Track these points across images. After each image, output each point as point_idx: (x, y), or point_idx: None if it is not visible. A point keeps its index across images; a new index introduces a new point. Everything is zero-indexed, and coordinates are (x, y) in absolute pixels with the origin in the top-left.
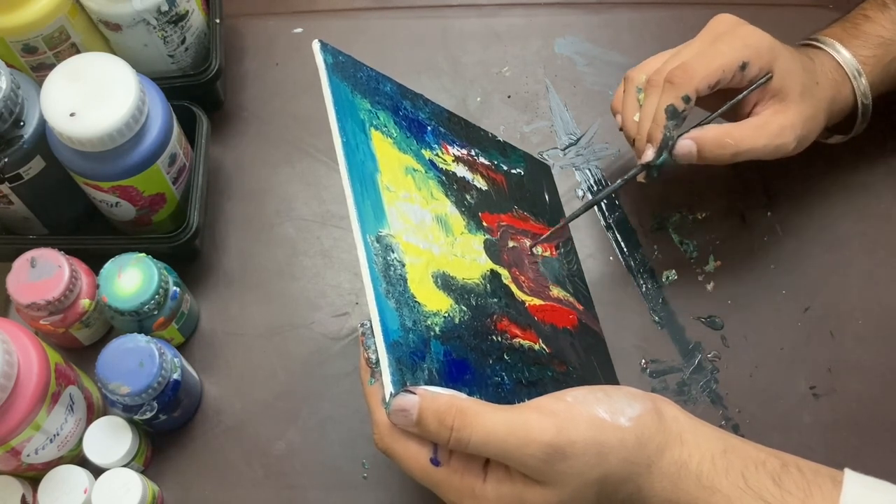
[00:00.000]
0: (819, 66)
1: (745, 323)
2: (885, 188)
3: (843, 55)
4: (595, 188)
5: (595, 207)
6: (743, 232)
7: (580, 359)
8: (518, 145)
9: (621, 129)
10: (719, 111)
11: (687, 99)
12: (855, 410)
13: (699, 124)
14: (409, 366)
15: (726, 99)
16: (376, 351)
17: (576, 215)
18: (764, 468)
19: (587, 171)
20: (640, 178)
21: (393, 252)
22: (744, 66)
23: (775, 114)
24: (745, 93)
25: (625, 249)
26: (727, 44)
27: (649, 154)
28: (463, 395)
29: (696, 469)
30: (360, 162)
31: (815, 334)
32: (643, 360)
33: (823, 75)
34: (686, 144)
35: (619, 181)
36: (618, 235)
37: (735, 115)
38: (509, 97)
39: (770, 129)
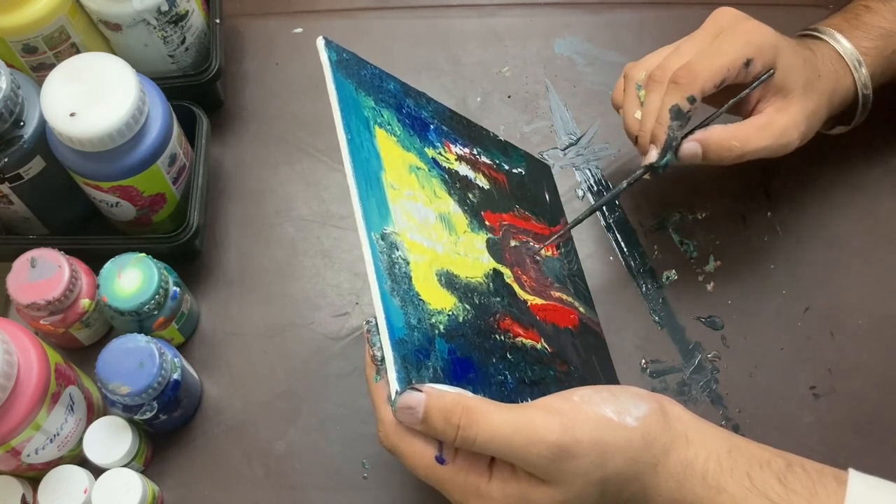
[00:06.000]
0: (820, 58)
1: (745, 323)
2: (884, 188)
3: (844, 45)
4: (595, 188)
5: None
6: (743, 232)
7: (581, 358)
8: (518, 145)
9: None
10: (722, 109)
11: (692, 99)
12: (855, 410)
13: (702, 124)
14: (415, 364)
15: (729, 94)
16: (381, 348)
17: (580, 220)
18: (769, 468)
19: (587, 171)
20: (646, 176)
21: (398, 250)
22: (748, 63)
23: (778, 111)
24: (747, 90)
25: (625, 249)
26: (729, 42)
27: (653, 155)
28: (469, 394)
29: (701, 468)
30: (364, 159)
31: (815, 334)
32: (643, 360)
33: (825, 67)
34: (691, 146)
35: (623, 183)
36: (618, 235)
37: (737, 110)
38: (509, 97)
39: (774, 128)
